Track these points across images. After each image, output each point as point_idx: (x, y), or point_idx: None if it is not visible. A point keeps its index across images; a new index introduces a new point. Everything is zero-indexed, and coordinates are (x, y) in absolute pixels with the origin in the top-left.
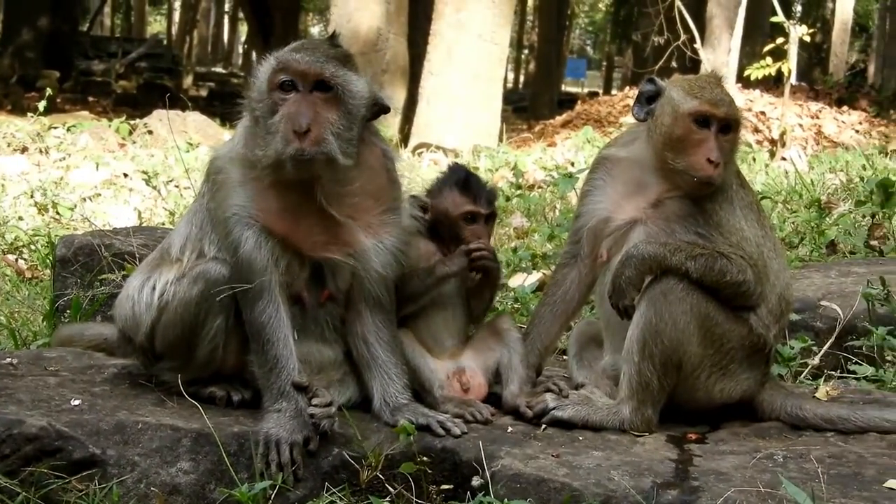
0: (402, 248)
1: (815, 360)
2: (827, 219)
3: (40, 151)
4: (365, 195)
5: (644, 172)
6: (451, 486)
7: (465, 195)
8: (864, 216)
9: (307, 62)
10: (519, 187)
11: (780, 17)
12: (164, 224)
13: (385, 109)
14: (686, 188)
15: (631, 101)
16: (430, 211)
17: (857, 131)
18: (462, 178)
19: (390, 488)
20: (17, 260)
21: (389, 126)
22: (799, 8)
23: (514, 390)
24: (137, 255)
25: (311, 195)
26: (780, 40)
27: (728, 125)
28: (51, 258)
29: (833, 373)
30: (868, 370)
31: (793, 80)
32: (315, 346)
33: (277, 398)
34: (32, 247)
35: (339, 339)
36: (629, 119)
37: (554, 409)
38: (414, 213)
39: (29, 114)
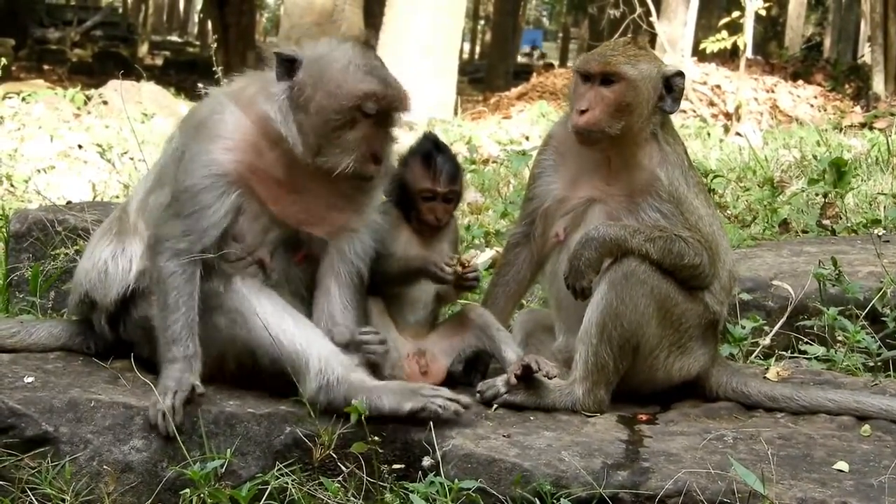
0: (383, 229)
1: (767, 340)
2: (780, 197)
3: None
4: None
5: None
6: (403, 466)
7: (426, 171)
8: (816, 195)
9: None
10: (473, 162)
11: None
12: (118, 198)
13: None
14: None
15: None
16: (396, 178)
17: (811, 105)
18: (426, 152)
19: (343, 467)
20: None
21: None
22: None
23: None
24: (91, 231)
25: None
26: (735, 13)
27: (607, 78)
28: (4, 233)
29: (784, 353)
30: (819, 350)
31: (748, 53)
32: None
33: None
34: None
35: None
36: None
37: (506, 394)
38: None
39: None
